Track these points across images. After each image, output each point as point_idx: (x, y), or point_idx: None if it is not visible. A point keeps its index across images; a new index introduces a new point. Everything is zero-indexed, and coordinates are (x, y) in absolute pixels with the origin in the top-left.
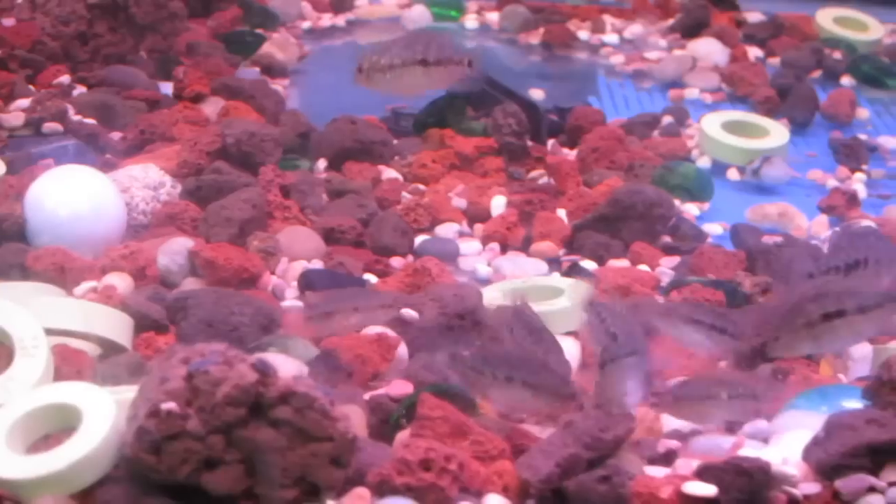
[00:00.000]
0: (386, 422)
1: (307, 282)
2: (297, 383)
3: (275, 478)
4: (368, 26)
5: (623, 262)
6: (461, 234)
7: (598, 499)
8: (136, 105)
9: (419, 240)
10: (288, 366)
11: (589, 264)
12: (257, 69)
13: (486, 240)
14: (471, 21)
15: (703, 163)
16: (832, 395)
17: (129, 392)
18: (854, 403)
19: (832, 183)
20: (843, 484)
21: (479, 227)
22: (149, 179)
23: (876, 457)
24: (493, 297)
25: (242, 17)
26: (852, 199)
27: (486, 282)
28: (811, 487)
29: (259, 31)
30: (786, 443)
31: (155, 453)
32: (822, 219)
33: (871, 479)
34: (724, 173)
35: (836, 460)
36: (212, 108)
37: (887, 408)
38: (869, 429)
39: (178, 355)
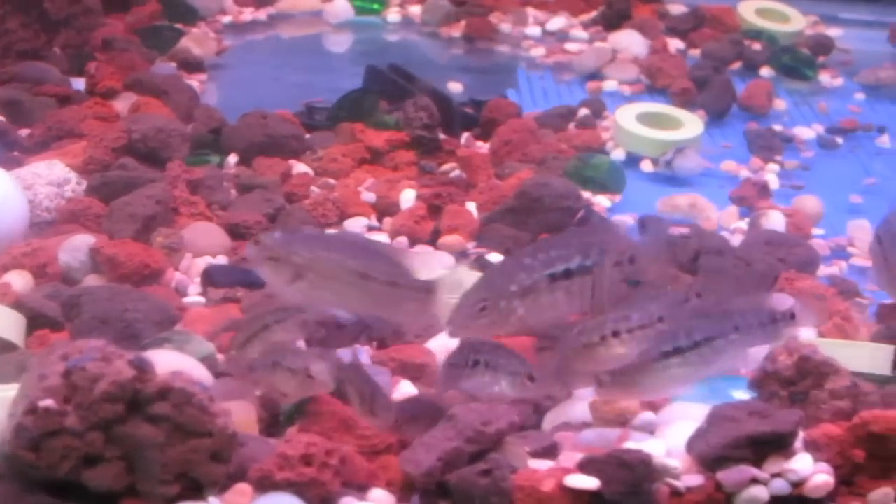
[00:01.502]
0: (278, 417)
1: (209, 278)
2: (175, 379)
3: (155, 474)
4: (290, 20)
5: None
6: (370, 228)
7: (480, 492)
8: (46, 101)
9: None
10: (181, 362)
11: (496, 257)
12: (174, 64)
13: (394, 233)
14: (393, 14)
15: (618, 155)
16: (719, 387)
17: (13, 390)
18: (741, 395)
19: (745, 174)
20: (725, 475)
21: (388, 220)
22: (53, 176)
23: (758, 448)
24: None
25: (162, 12)
26: (763, 189)
27: None
28: (694, 479)
29: (178, 25)
30: (671, 434)
31: (34, 450)
32: (733, 209)
33: (753, 471)
34: (638, 165)
35: (717, 452)
36: (124, 103)
37: (771, 399)
38: (750, 420)
39: (58, 352)
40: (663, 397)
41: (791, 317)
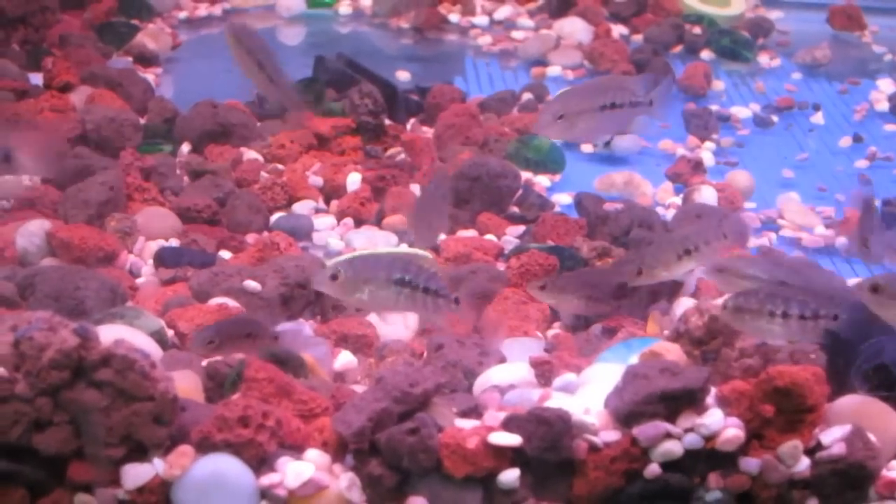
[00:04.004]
0: (222, 385)
1: (161, 259)
2: (117, 346)
3: (101, 437)
4: (244, 15)
5: (471, 233)
6: (317, 211)
7: (408, 450)
8: (3, 95)
9: (275, 217)
10: (128, 335)
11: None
12: (130, 59)
13: (340, 215)
14: (344, 7)
15: None
16: (637, 348)
17: None
18: None
19: (681, 152)
20: (640, 430)
21: (334, 203)
22: None
23: (670, 404)
24: None
25: (117, 9)
26: (697, 166)
27: (338, 254)
28: (610, 435)
29: (134, 21)
30: (590, 394)
31: None
32: (668, 186)
33: (667, 426)
34: (578, 146)
35: (630, 408)
36: (80, 97)
37: (686, 358)
38: (662, 378)
39: (7, 323)
40: None
41: None
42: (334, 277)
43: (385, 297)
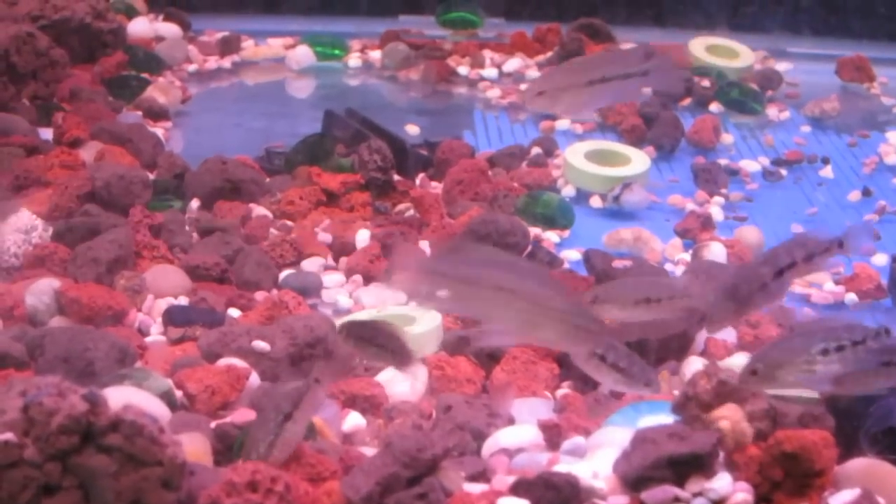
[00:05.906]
0: (231, 448)
1: (170, 317)
2: (126, 412)
3: (109, 502)
4: (254, 67)
5: None
6: (326, 268)
7: None
8: (13, 151)
9: (284, 274)
10: (137, 398)
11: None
12: (140, 113)
13: (349, 272)
14: (354, 59)
15: (568, 191)
16: (646, 411)
17: None
18: (666, 418)
19: (690, 207)
20: (648, 495)
21: (343, 260)
22: (20, 223)
23: (678, 469)
24: None
25: (128, 62)
26: (706, 221)
27: (347, 312)
28: (619, 500)
29: (144, 75)
30: (599, 457)
31: None
32: (677, 242)
33: (675, 490)
34: (587, 201)
35: (638, 472)
36: (90, 152)
37: (693, 422)
38: (670, 442)
39: (16, 388)
40: None
41: None
42: None
43: None
